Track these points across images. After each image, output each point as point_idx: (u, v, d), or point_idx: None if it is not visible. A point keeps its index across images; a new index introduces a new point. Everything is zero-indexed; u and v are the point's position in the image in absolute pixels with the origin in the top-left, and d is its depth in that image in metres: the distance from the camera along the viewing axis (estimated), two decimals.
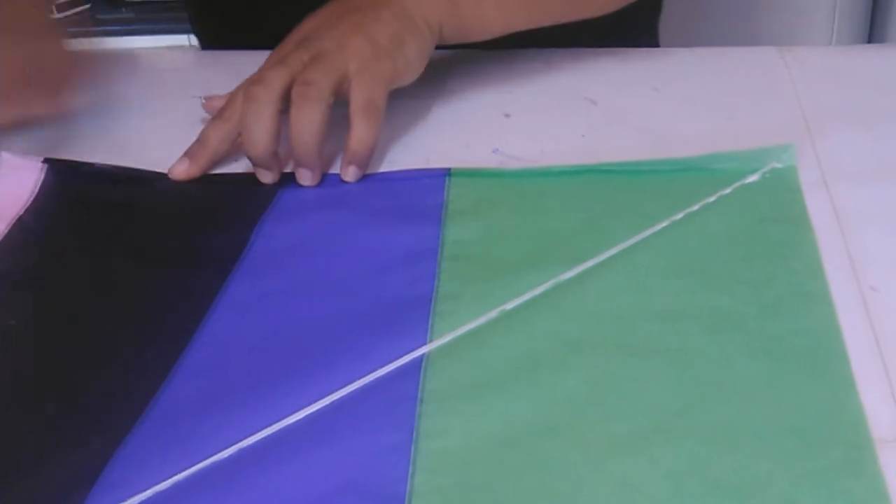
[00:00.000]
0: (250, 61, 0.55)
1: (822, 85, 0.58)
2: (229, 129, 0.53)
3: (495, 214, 0.49)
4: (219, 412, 0.38)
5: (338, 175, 0.53)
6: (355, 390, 0.39)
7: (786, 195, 0.48)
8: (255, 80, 0.52)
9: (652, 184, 0.50)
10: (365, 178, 0.53)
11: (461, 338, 0.42)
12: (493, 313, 0.42)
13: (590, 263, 0.45)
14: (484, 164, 0.53)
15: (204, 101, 0.57)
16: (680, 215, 0.47)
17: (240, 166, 0.54)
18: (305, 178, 0.52)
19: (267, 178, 0.52)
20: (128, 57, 0.66)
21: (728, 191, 0.48)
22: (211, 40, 0.79)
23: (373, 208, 0.50)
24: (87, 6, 1.38)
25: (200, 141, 0.54)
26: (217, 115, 0.54)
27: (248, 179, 0.53)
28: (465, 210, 0.49)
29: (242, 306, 0.44)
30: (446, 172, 0.52)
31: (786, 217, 0.47)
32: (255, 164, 0.52)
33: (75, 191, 0.53)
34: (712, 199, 0.48)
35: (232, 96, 0.54)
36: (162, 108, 0.61)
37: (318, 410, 0.38)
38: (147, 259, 0.48)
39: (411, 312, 0.43)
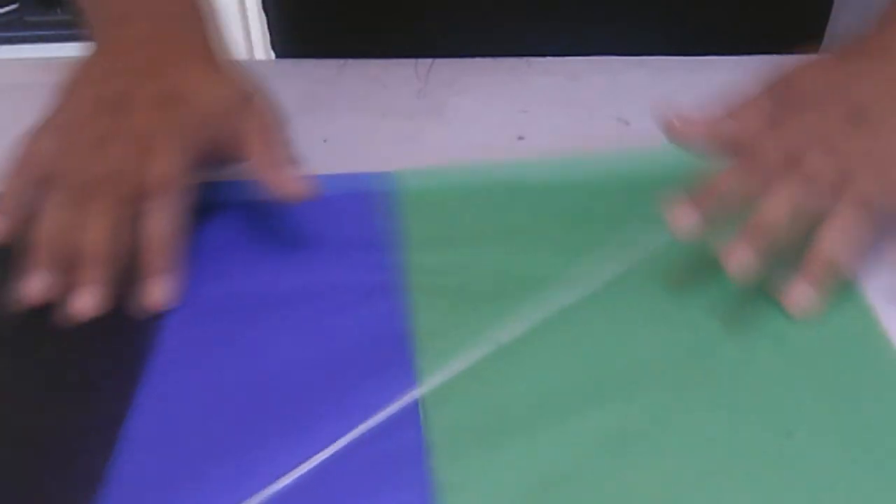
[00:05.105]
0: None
1: None
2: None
3: (466, 224, 0.50)
4: (173, 493, 0.40)
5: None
6: (344, 447, 0.41)
7: None
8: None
9: (686, 168, 0.48)
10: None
11: (458, 377, 0.43)
12: (489, 347, 0.44)
13: (606, 273, 0.46)
14: None
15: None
16: None
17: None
18: None
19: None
20: (61, 68, 0.68)
21: None
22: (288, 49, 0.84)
23: (309, 231, 0.51)
24: (15, 6, 1.42)
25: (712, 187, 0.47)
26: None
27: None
28: (425, 215, 0.50)
29: (183, 363, 0.46)
30: (389, 177, 0.52)
31: None
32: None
33: None
34: None
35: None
36: None
37: (301, 476, 0.40)
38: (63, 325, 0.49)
39: (390, 354, 0.45)
